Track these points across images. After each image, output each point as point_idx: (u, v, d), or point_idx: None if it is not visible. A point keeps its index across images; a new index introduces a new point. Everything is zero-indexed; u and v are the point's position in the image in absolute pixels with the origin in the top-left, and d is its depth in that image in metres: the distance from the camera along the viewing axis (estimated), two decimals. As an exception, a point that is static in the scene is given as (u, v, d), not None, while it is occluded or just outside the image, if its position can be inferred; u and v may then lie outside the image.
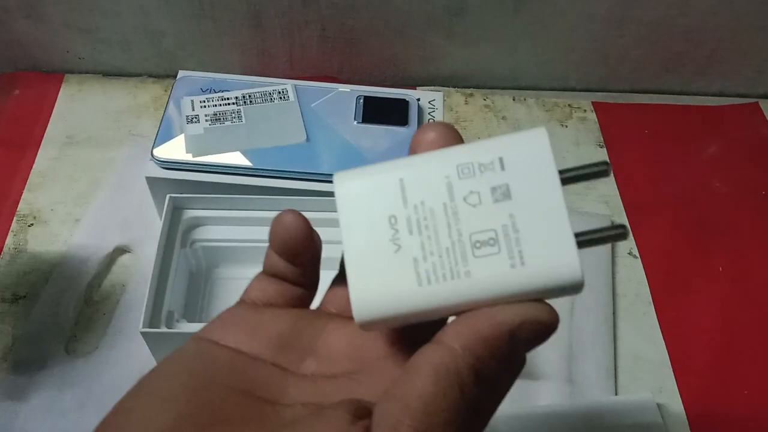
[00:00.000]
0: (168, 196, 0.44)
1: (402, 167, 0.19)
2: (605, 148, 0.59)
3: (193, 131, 0.45)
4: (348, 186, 0.19)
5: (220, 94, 0.48)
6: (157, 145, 0.45)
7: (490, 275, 0.18)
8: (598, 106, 0.63)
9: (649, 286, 0.51)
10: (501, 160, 0.19)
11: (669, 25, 0.59)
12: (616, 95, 0.64)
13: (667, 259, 0.53)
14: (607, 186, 0.57)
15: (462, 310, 0.18)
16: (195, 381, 0.19)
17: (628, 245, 0.53)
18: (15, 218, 0.50)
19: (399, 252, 0.19)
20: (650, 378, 0.47)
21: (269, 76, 0.50)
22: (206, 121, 0.46)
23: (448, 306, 0.18)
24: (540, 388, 0.45)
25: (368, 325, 0.19)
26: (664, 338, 0.49)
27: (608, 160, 0.20)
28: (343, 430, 0.17)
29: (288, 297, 0.23)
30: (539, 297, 0.18)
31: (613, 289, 0.50)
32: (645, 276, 0.52)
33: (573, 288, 0.18)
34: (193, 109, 0.47)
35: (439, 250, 0.18)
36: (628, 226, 0.19)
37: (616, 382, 0.46)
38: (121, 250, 0.49)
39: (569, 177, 0.19)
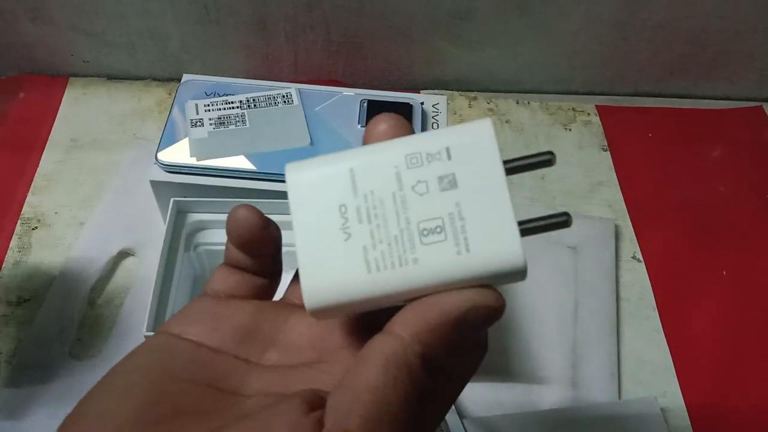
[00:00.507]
0: (172, 199, 0.44)
1: (353, 157, 0.20)
2: (609, 152, 0.59)
3: (198, 135, 0.46)
4: (299, 176, 0.20)
5: (224, 98, 0.48)
6: (162, 149, 0.45)
7: (437, 262, 0.18)
8: (602, 110, 0.62)
9: (653, 290, 0.51)
10: (448, 150, 0.19)
11: (674, 29, 0.59)
12: (620, 98, 0.64)
13: (671, 263, 0.53)
14: (611, 190, 0.57)
15: (412, 297, 0.19)
16: (155, 375, 0.19)
17: (632, 249, 0.53)
18: (19, 221, 0.50)
19: (349, 240, 0.19)
20: (654, 382, 0.47)
21: (274, 80, 0.50)
22: (210, 124, 0.46)
23: (397, 293, 0.19)
24: (543, 391, 0.45)
25: (319, 313, 0.19)
26: (667, 342, 0.48)
27: (552, 150, 0.20)
28: (295, 422, 0.17)
29: (250, 288, 0.23)
30: (485, 283, 0.19)
31: (617, 293, 0.50)
32: (649, 280, 0.51)
33: (516, 274, 0.19)
34: (198, 113, 0.47)
35: (387, 238, 0.19)
36: (571, 215, 0.19)
37: (619, 386, 0.46)
38: (125, 254, 0.49)
39: (514, 167, 0.20)
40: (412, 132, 0.21)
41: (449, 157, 0.19)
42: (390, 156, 0.19)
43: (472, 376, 0.20)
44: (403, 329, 0.18)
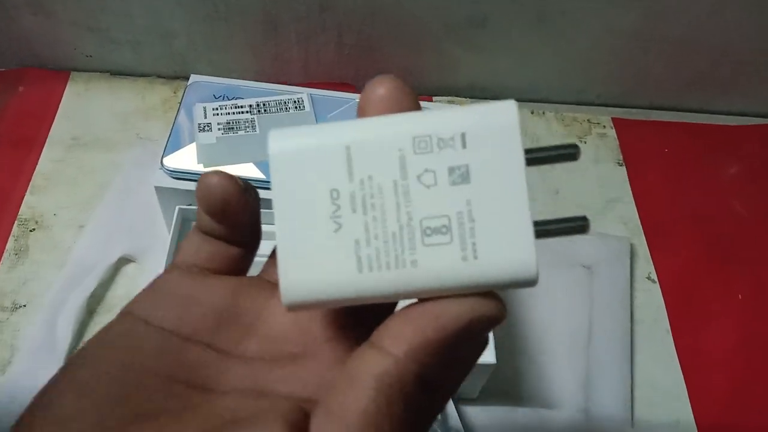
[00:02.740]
0: (177, 207, 0.42)
1: (350, 132, 0.17)
2: (624, 166, 0.58)
3: (205, 140, 0.44)
4: (285, 146, 0.17)
5: (233, 102, 0.46)
6: (167, 154, 0.43)
7: (438, 267, 0.16)
8: (617, 123, 0.61)
9: (668, 313, 0.50)
10: (463, 136, 0.17)
11: (693, 43, 0.58)
12: (636, 111, 0.63)
13: (685, 284, 0.51)
14: (626, 207, 0.55)
15: (403, 299, 0.17)
16: (119, 369, 0.17)
17: (647, 269, 0.52)
18: (16, 222, 0.49)
19: (339, 232, 0.17)
20: (667, 409, 0.45)
21: (283, 82, 0.49)
22: (219, 129, 0.44)
23: (388, 296, 0.17)
24: (554, 416, 0.44)
25: (297, 308, 0.17)
26: (681, 367, 0.47)
27: (578, 144, 0.18)
28: None
29: (225, 259, 0.21)
30: (489, 290, 0.17)
31: (631, 315, 0.49)
32: (663, 302, 0.50)
33: (526, 283, 0.17)
34: (206, 117, 0.45)
35: (384, 234, 0.17)
36: (589, 220, 0.17)
37: (632, 412, 0.45)
38: (125, 260, 0.47)
39: (535, 158, 0.17)
40: (415, 99, 0.18)
41: (464, 144, 0.17)
42: (394, 136, 0.17)
43: (465, 378, 0.18)
44: (396, 345, 0.16)
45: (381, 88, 0.18)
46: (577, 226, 0.18)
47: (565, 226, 0.18)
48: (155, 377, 0.17)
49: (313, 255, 0.17)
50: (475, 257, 0.16)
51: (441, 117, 0.17)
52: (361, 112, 0.18)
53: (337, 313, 0.20)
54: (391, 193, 0.17)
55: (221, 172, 0.19)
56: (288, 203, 0.17)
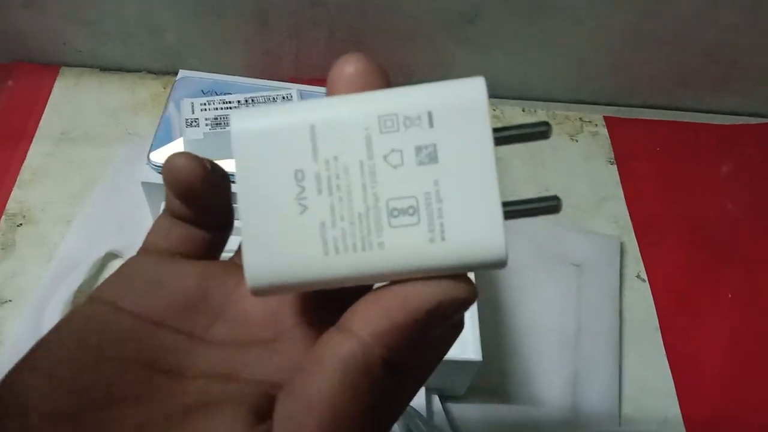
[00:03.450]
0: (163, 203, 0.42)
1: (314, 112, 0.16)
2: (616, 165, 0.58)
3: (193, 136, 0.44)
4: (248, 125, 0.17)
5: (221, 97, 0.46)
6: (155, 149, 0.43)
7: (405, 249, 0.16)
8: (609, 121, 0.61)
9: (657, 312, 0.50)
10: (430, 114, 0.16)
11: (686, 41, 0.57)
12: (628, 110, 0.63)
13: (675, 283, 0.51)
14: (617, 205, 0.55)
15: (370, 282, 0.17)
16: (85, 353, 0.17)
17: (637, 268, 0.52)
18: (3, 217, 0.48)
19: (304, 214, 0.16)
20: (655, 408, 0.45)
21: (273, 77, 0.49)
22: (206, 125, 0.44)
23: (355, 279, 0.16)
24: (542, 415, 0.44)
25: (262, 292, 0.17)
26: (670, 366, 0.47)
27: (548, 121, 0.17)
28: None
29: (195, 243, 0.20)
30: (458, 272, 0.16)
31: (620, 313, 0.49)
32: (653, 301, 0.50)
33: (496, 265, 0.16)
34: (193, 113, 0.45)
35: (350, 216, 0.16)
36: (561, 200, 0.17)
37: (620, 411, 0.44)
38: (112, 255, 0.47)
39: (505, 137, 0.17)
40: (385, 78, 0.17)
41: (431, 123, 0.16)
42: (360, 115, 0.16)
43: (439, 363, 0.18)
44: (362, 327, 0.15)
45: (349, 66, 0.17)
46: (548, 206, 0.17)
47: (536, 206, 0.17)
48: (123, 361, 0.17)
49: (278, 238, 0.16)
50: (443, 239, 0.16)
51: (407, 95, 0.17)
52: (329, 91, 0.18)
53: (308, 297, 0.19)
54: (357, 174, 0.16)
55: (188, 153, 0.19)
56: (252, 185, 0.16)
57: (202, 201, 0.20)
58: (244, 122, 0.17)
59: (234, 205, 0.21)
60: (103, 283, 0.19)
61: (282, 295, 0.19)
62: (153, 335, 0.18)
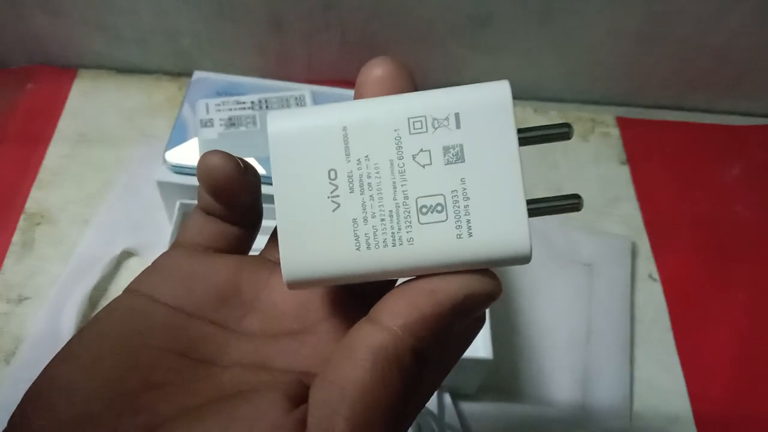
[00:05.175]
0: (178, 202, 0.43)
1: (347, 113, 0.17)
2: (628, 166, 0.58)
3: (207, 136, 0.44)
4: (284, 127, 0.18)
5: (235, 98, 0.47)
6: (170, 149, 0.44)
7: (434, 245, 0.17)
8: (621, 122, 0.61)
9: (669, 312, 0.50)
10: (457, 116, 0.17)
11: (697, 43, 0.57)
12: (639, 111, 0.63)
13: (687, 284, 0.51)
14: (629, 205, 0.55)
15: (400, 276, 0.18)
16: (125, 342, 0.18)
17: (649, 268, 0.52)
18: (23, 216, 0.49)
19: (337, 211, 0.17)
20: (666, 407, 0.45)
21: (287, 80, 0.49)
22: (221, 125, 0.45)
23: (385, 273, 0.17)
24: (552, 414, 0.44)
25: (297, 286, 0.18)
26: (681, 366, 0.47)
27: (570, 123, 0.18)
28: (276, 422, 0.15)
29: (227, 238, 0.21)
30: (484, 267, 0.17)
31: (631, 313, 0.49)
32: (664, 301, 0.50)
33: (520, 260, 0.17)
34: (208, 113, 0.46)
35: (381, 213, 0.17)
36: (582, 199, 0.17)
37: (630, 410, 0.45)
38: (128, 254, 0.48)
39: (529, 137, 0.18)
40: (411, 80, 0.18)
41: (458, 125, 0.17)
42: (390, 117, 0.17)
43: (461, 356, 0.19)
44: (393, 319, 0.16)
45: (378, 69, 0.18)
46: (570, 204, 0.18)
47: (559, 204, 0.18)
48: (161, 350, 0.18)
49: (312, 234, 0.17)
50: (470, 234, 0.17)
51: (435, 97, 0.17)
52: (358, 93, 0.18)
53: (336, 290, 0.20)
54: (388, 173, 0.17)
55: (222, 152, 0.20)
56: (287, 183, 0.17)
57: (234, 198, 0.20)
58: (280, 123, 0.18)
59: (264, 205, 0.22)
60: (138, 277, 0.20)
61: (315, 288, 0.20)
62: (189, 326, 0.19)
